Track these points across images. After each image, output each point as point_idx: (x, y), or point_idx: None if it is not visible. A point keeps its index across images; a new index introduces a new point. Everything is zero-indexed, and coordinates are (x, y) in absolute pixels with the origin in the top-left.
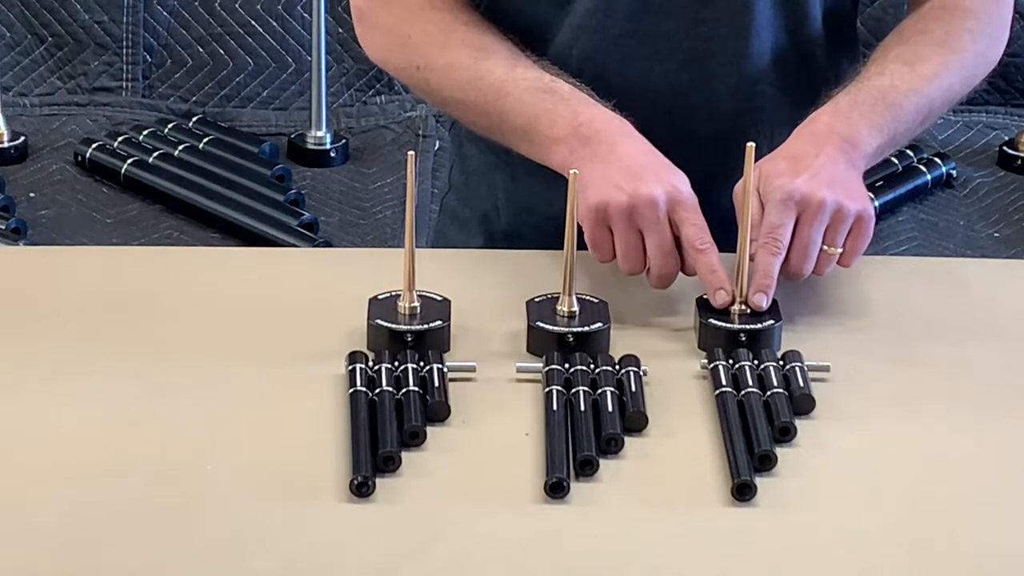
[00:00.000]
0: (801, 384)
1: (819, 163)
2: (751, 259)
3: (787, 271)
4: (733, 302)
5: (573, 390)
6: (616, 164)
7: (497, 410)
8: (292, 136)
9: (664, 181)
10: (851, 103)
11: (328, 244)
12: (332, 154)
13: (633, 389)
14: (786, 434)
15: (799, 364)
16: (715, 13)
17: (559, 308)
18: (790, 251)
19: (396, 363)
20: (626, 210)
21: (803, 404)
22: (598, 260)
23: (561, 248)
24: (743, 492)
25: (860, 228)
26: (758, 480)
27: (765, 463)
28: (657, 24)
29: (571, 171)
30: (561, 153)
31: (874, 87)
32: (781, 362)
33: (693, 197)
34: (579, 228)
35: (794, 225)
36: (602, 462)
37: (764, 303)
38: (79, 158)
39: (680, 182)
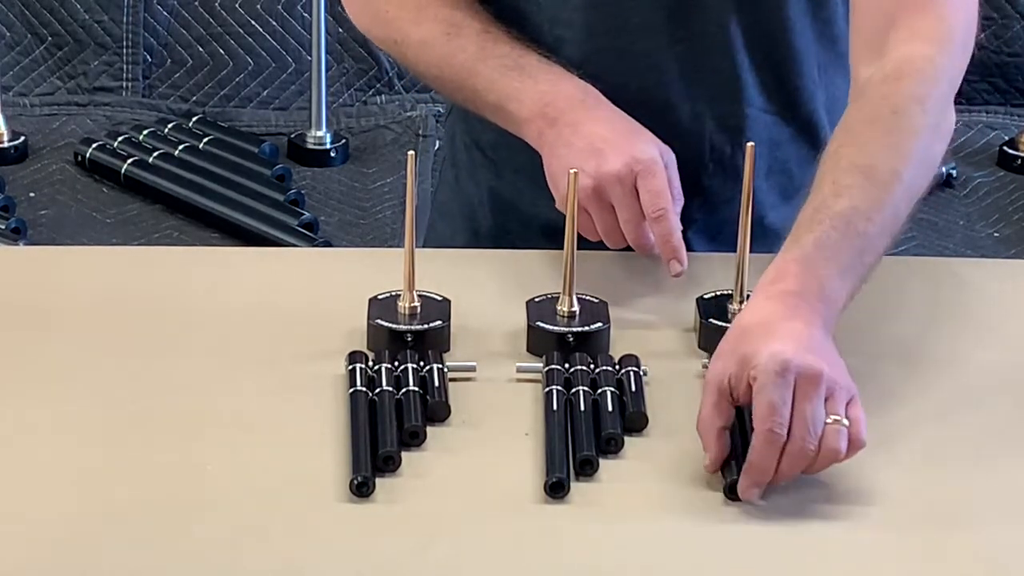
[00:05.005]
0: None
1: (798, 330)
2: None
3: (792, 453)
4: (732, 297)
5: (573, 390)
6: (579, 145)
7: (497, 410)
8: (292, 136)
9: (624, 153)
10: (816, 245)
11: (328, 244)
12: (332, 154)
13: (633, 389)
14: None
15: None
16: (690, 33)
17: (559, 308)
18: (791, 428)
19: (396, 363)
20: (593, 192)
21: None
22: (593, 240)
23: (546, 246)
24: (735, 491)
25: (855, 404)
26: None
27: None
28: (634, 42)
29: (570, 171)
30: (531, 133)
31: (837, 216)
32: None
33: (653, 162)
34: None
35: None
36: (602, 462)
37: (756, 496)
38: (79, 158)
39: (641, 150)
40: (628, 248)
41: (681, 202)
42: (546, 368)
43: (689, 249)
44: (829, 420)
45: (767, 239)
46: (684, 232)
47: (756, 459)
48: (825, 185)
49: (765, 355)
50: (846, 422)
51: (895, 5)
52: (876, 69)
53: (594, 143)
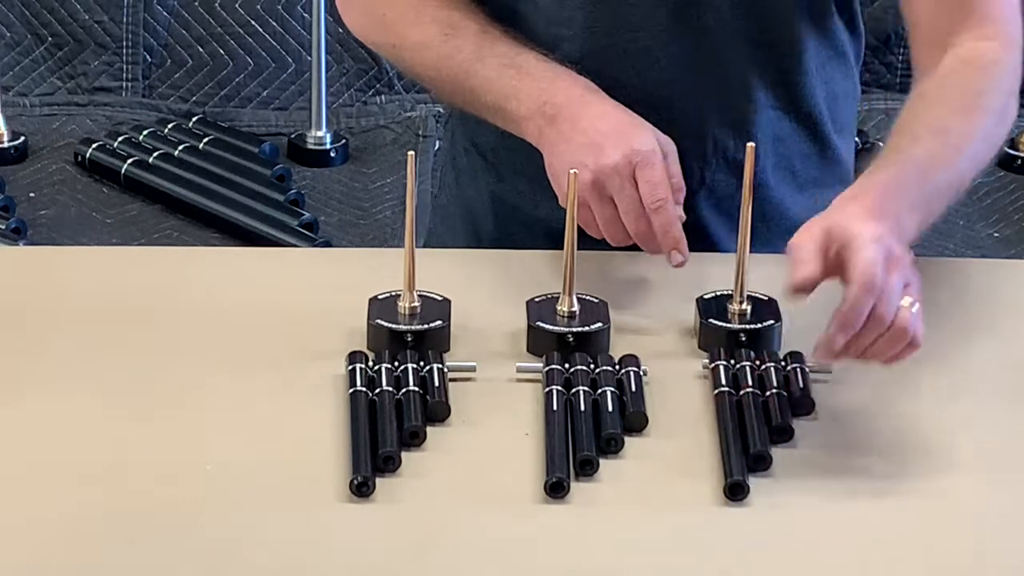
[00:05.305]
0: (801, 385)
1: (881, 229)
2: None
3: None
4: (732, 287)
5: (573, 390)
6: (578, 140)
7: (497, 410)
8: (292, 136)
9: (623, 145)
10: (896, 176)
11: (328, 244)
12: (332, 154)
13: (633, 389)
14: (783, 434)
15: (800, 365)
16: (692, 29)
17: (559, 308)
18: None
19: (396, 363)
20: (592, 185)
21: (802, 405)
22: (595, 235)
23: (549, 248)
24: (735, 492)
25: (919, 311)
26: (756, 480)
27: (760, 463)
28: (635, 39)
29: (570, 172)
30: (531, 131)
31: (913, 161)
32: (783, 363)
33: (652, 153)
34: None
35: None
36: (602, 462)
37: (839, 345)
38: (79, 158)
39: (640, 142)
40: (631, 246)
41: (683, 193)
42: (546, 368)
43: (702, 227)
44: (905, 303)
45: (780, 228)
46: (695, 220)
47: (849, 307)
48: (901, 137)
49: (859, 227)
50: (916, 303)
51: (954, 14)
52: (945, 60)
53: (593, 137)
